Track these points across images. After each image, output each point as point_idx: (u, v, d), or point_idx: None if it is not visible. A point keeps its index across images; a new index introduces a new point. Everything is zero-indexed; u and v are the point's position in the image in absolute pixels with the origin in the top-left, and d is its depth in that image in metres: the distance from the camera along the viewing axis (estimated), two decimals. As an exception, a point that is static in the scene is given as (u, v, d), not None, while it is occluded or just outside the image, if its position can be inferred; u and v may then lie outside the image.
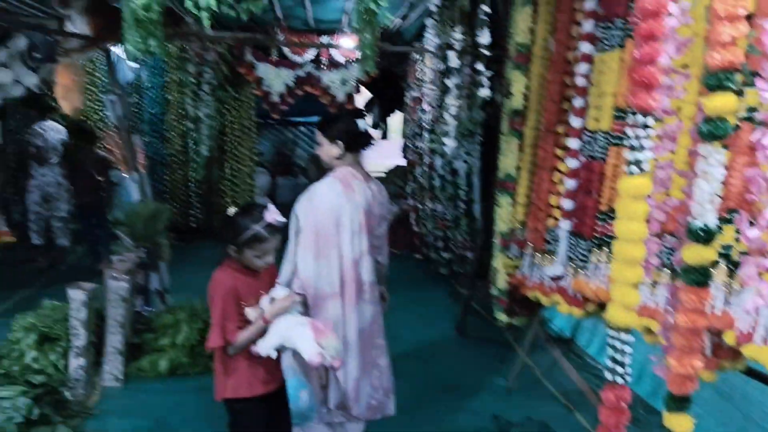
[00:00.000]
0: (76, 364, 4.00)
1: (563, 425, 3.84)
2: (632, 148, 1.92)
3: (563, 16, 3.56)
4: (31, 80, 3.98)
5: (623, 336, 2.13)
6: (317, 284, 2.94)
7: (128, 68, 8.78)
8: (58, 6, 4.40)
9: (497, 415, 3.92)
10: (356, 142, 3.08)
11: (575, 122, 3.38)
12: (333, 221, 2.94)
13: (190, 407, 3.95)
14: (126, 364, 4.33)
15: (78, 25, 4.59)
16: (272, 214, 2.55)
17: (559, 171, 3.60)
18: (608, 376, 2.17)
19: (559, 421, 3.89)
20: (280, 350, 2.59)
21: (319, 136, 3.11)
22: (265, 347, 2.52)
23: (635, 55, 1.89)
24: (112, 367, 4.24)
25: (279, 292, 2.65)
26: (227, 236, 2.57)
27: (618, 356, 2.12)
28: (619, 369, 2.13)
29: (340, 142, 3.04)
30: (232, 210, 2.62)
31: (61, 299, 4.28)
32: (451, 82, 4.24)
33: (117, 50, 7.51)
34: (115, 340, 4.22)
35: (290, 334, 2.52)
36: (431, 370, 4.64)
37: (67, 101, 4.62)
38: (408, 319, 5.45)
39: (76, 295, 3.92)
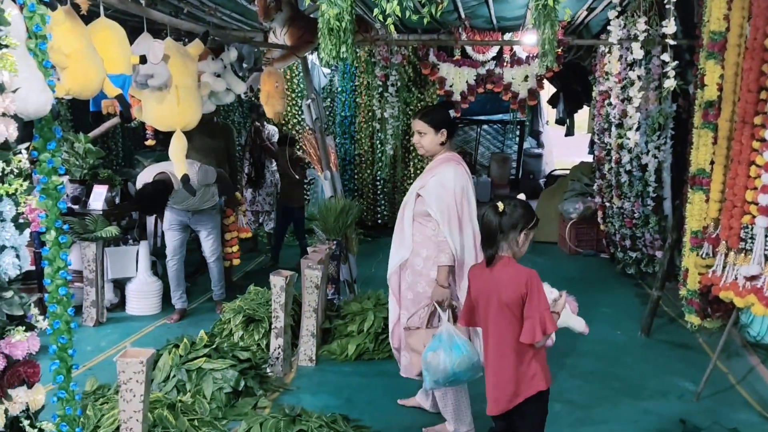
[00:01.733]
0: (276, 344, 4.42)
1: (757, 435, 3.59)
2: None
3: (760, 0, 3.32)
4: (240, 88, 4.41)
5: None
6: (462, 255, 3.39)
7: (322, 74, 9.43)
8: (263, 20, 4.86)
9: (684, 420, 3.75)
10: (455, 130, 3.54)
11: (775, 112, 3.16)
12: (465, 199, 3.42)
13: (376, 389, 4.21)
14: (318, 347, 4.71)
15: (279, 36, 5.05)
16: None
17: (756, 164, 3.37)
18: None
19: (753, 429, 3.65)
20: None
21: (423, 126, 3.47)
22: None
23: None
24: (307, 348, 4.63)
25: (550, 289, 2.77)
26: (522, 221, 2.62)
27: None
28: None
29: (444, 130, 3.46)
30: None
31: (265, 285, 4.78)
32: (634, 74, 4.10)
33: (312, 57, 8.14)
34: (309, 323, 4.61)
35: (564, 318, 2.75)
36: (614, 371, 4.52)
37: (269, 106, 5.07)
38: (593, 319, 5.31)
39: (277, 281, 4.33)
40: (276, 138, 7.74)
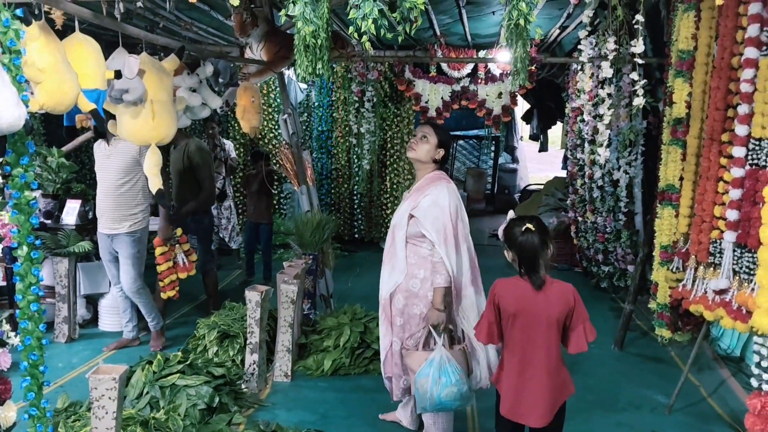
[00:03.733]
0: (251, 359, 4.40)
1: (729, 448, 3.64)
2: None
3: (727, 21, 3.41)
4: (216, 103, 4.41)
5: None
6: (458, 276, 3.36)
7: (299, 89, 9.46)
8: (239, 35, 4.87)
9: (656, 432, 3.80)
10: (447, 158, 3.56)
11: (740, 130, 3.24)
12: (460, 218, 3.39)
13: (352, 405, 4.20)
14: (294, 362, 4.69)
15: (256, 51, 5.06)
16: None
17: (724, 180, 3.45)
18: (754, 383, 2.09)
19: (724, 442, 3.70)
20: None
21: (431, 132, 3.50)
22: None
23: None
24: (282, 363, 4.61)
25: None
26: (549, 236, 2.74)
27: (765, 363, 2.04)
28: (766, 376, 2.04)
29: (442, 150, 3.50)
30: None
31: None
32: (604, 92, 4.19)
33: (289, 72, 8.16)
34: (285, 338, 4.60)
35: None
36: (587, 384, 4.57)
37: (245, 121, 5.07)
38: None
39: (252, 296, 4.32)
40: (233, 154, 7.72)
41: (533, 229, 2.65)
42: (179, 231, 5.23)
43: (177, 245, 5.23)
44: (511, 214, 2.92)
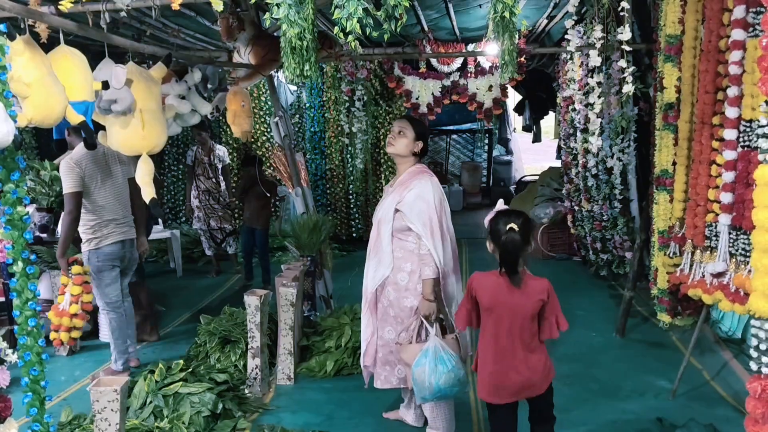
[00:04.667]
0: (253, 364, 4.40)
1: (733, 428, 3.64)
2: (766, 136, 1.85)
3: (713, 3, 3.41)
4: (206, 109, 4.39)
5: (767, 326, 2.05)
6: (444, 267, 3.43)
7: (289, 91, 9.45)
8: (226, 40, 4.86)
9: (661, 418, 3.80)
10: (426, 150, 3.61)
11: (731, 112, 3.23)
12: (442, 210, 3.46)
13: (356, 405, 4.20)
14: (296, 365, 4.69)
15: (244, 55, 5.04)
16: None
17: (717, 164, 3.44)
18: (753, 366, 2.10)
19: (729, 424, 3.70)
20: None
21: (406, 126, 3.54)
22: None
23: (763, 44, 1.83)
24: (285, 366, 4.61)
25: None
26: (532, 232, 2.88)
27: (763, 346, 2.04)
28: (765, 359, 2.05)
29: (420, 143, 3.54)
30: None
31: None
32: (593, 81, 4.19)
33: (279, 75, 8.15)
34: (286, 341, 4.59)
35: None
36: (591, 372, 4.58)
37: (237, 125, 5.06)
38: (568, 322, 5.38)
39: (252, 301, 4.31)
40: (227, 160, 7.67)
41: (516, 229, 2.72)
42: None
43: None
44: (500, 204, 2.98)
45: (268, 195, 7.09)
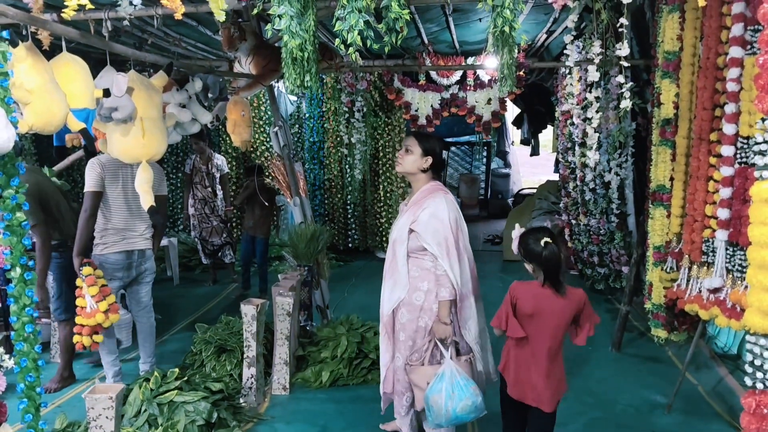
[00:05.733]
0: (249, 373, 4.39)
1: (729, 446, 3.65)
2: (762, 153, 1.87)
3: (711, 21, 3.44)
4: (206, 118, 4.41)
5: (762, 341, 2.06)
6: (461, 287, 3.33)
7: (289, 101, 9.48)
8: (228, 50, 4.88)
9: (656, 433, 3.81)
10: (439, 165, 3.49)
11: (728, 129, 3.26)
12: (458, 228, 3.35)
13: (352, 415, 4.19)
14: (292, 375, 4.68)
15: (245, 65, 5.07)
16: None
17: (714, 180, 3.47)
18: (748, 381, 2.11)
19: (724, 440, 3.71)
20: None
21: (413, 143, 3.44)
22: None
23: (760, 62, 1.85)
24: (280, 376, 4.60)
25: None
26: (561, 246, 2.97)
27: (758, 361, 2.05)
28: (760, 374, 2.06)
29: (429, 158, 3.42)
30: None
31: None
32: (591, 96, 4.22)
33: (279, 85, 8.18)
34: (282, 351, 4.59)
35: None
36: (587, 386, 4.58)
37: (236, 135, 5.07)
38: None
39: (248, 310, 4.31)
40: (226, 169, 7.67)
41: (551, 242, 2.82)
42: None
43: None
44: (518, 229, 3.01)
45: (267, 204, 7.10)
